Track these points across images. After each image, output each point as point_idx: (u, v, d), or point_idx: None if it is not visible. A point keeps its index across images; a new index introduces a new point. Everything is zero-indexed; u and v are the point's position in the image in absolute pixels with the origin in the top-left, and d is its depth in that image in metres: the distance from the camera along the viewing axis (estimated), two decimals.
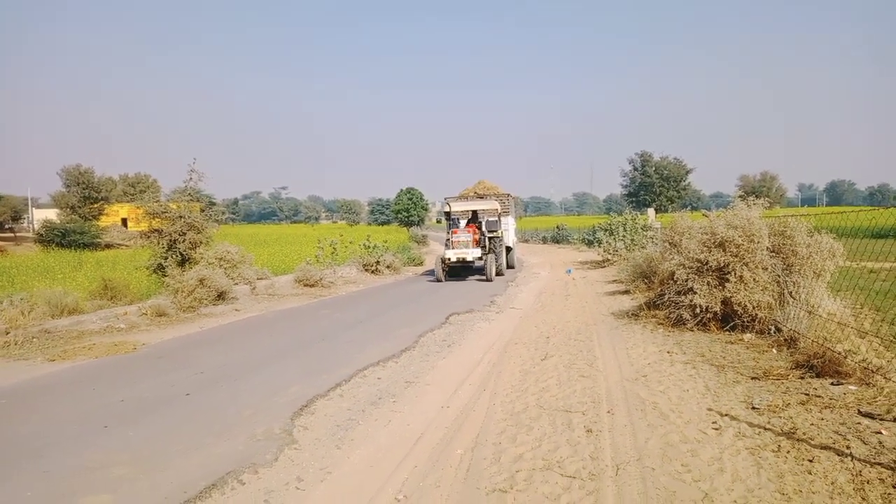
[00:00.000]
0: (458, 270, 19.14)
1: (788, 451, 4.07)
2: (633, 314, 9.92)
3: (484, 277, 17.66)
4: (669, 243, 10.28)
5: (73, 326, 9.90)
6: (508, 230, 21.89)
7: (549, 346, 8.09)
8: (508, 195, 24.15)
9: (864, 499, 3.35)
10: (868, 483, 3.51)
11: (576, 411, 5.23)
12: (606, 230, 22.97)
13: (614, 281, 15.65)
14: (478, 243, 18.40)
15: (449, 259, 17.71)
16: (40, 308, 10.36)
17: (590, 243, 30.51)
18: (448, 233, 19.25)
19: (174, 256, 14.64)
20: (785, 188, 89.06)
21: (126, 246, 48.44)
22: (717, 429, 4.60)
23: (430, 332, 9.41)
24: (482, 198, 23.18)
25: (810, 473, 3.72)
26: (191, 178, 15.51)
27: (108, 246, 46.83)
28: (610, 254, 20.95)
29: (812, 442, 4.17)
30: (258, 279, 15.91)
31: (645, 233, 20.43)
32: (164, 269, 14.48)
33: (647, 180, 73.87)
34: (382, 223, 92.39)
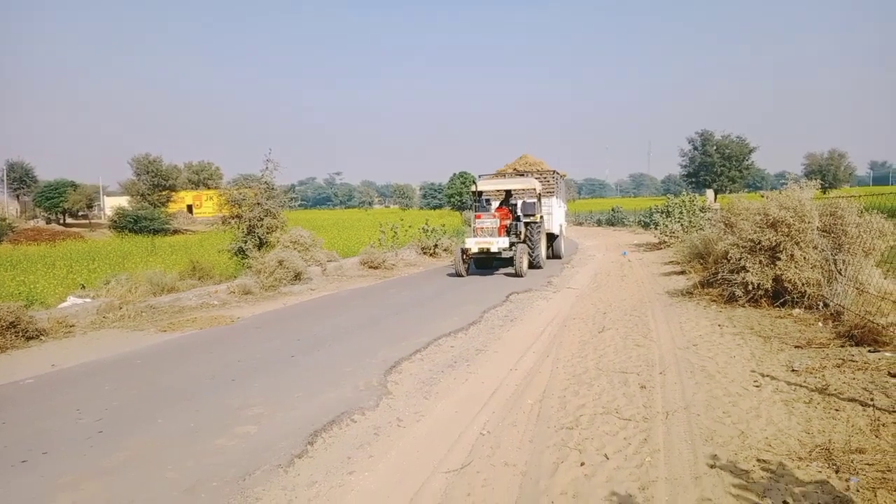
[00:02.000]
0: (488, 262, 16.18)
1: (818, 403, 4.69)
2: (687, 292, 10.43)
3: (513, 272, 14.89)
4: (725, 224, 10.70)
5: (174, 303, 11.16)
6: (553, 214, 18.88)
7: (605, 320, 8.75)
8: (554, 172, 20.64)
9: (877, 436, 3.97)
10: (884, 426, 4.12)
11: (631, 372, 5.94)
12: (663, 212, 23.13)
13: (670, 262, 16.04)
14: (507, 230, 15.70)
15: (469, 249, 14.93)
16: (143, 286, 11.69)
17: (646, 225, 30.59)
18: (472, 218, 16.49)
19: (253, 240, 15.90)
20: (854, 166, 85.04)
21: (192, 231, 51.12)
22: (757, 386, 5.24)
23: (493, 309, 10.20)
24: (522, 175, 19.99)
25: (834, 419, 4.35)
26: (266, 168, 16.70)
27: (176, 231, 49.51)
28: (666, 236, 21.16)
29: (841, 396, 4.78)
30: (328, 261, 17.05)
31: (703, 214, 20.58)
32: (244, 251, 15.77)
33: (707, 160, 71.99)
34: (434, 207, 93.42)
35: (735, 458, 3.84)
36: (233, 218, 16.41)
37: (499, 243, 14.64)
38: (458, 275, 14.93)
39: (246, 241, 15.85)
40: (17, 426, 4.89)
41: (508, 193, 17.60)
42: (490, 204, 17.52)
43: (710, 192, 29.89)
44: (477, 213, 15.84)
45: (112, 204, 59.97)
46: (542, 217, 17.06)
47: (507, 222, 15.90)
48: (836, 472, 3.58)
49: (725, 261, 9.35)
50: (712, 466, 3.75)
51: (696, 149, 74.34)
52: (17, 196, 68.80)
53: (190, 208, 65.98)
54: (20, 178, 70.92)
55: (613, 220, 40.55)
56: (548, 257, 18.57)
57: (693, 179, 71.95)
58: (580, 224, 45.98)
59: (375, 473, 4.01)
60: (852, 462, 3.67)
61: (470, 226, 16.45)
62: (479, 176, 19.44)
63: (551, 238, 18.96)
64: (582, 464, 3.94)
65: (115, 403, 5.42)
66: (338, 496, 3.70)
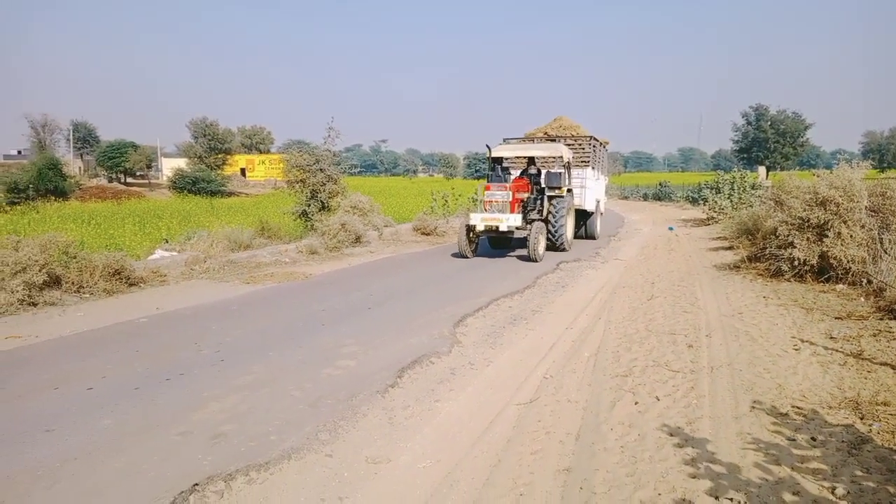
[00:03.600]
0: (504, 242, 14.33)
1: (852, 365, 5.22)
2: (734, 266, 10.83)
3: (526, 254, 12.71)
4: (775, 202, 11.00)
5: (250, 259, 12.12)
6: (587, 187, 16.08)
7: (654, 289, 9.28)
8: (591, 139, 17.10)
9: None
10: None
11: (679, 334, 6.53)
12: (713, 188, 23.12)
13: (718, 238, 16.29)
14: (523, 205, 13.25)
15: (475, 227, 12.60)
16: (222, 243, 12.68)
17: (694, 201, 30.46)
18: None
19: (316, 204, 16.80)
20: None
21: (246, 194, 52.81)
22: (796, 349, 5.78)
23: (545, 276, 10.81)
24: (553, 140, 16.79)
25: (865, 378, 4.88)
26: (329, 136, 17.49)
27: (231, 193, 51.25)
28: (715, 212, 21.23)
29: (874, 360, 5.29)
30: (385, 226, 17.87)
31: (753, 192, 20.58)
32: (307, 214, 16.70)
33: (760, 135, 70.10)
34: (479, 177, 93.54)
35: (772, 404, 4.44)
36: (297, 182, 17.31)
37: (509, 221, 12.23)
38: (463, 256, 12.81)
39: (309, 205, 16.75)
40: (148, 355, 5.80)
41: (531, 161, 15.06)
42: (510, 174, 15.46)
43: (762, 169, 29.45)
44: (486, 184, 13.32)
45: (169, 165, 62.06)
46: (569, 190, 14.80)
47: (525, 195, 13.48)
48: (861, 418, 4.14)
49: (773, 237, 9.73)
50: (752, 409, 4.36)
51: (749, 123, 72.38)
52: (81, 155, 71.92)
53: (243, 171, 67.84)
54: (83, 138, 74.01)
55: (660, 195, 40.25)
56: (579, 237, 16.78)
57: (745, 155, 70.28)
58: (626, 198, 45.77)
59: (457, 403, 4.75)
60: (877, 412, 4.22)
61: (477, 199, 13.91)
62: (505, 139, 16.52)
63: (584, 215, 16.66)
64: (636, 403, 4.60)
65: (226, 339, 6.31)
66: (428, 417, 4.45)
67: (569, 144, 16.47)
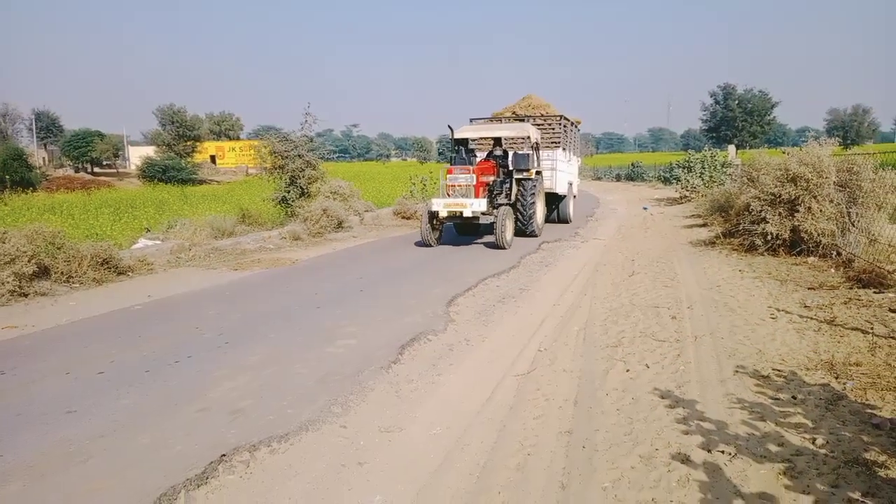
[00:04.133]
0: (471, 228, 13.61)
1: (826, 331, 5.57)
2: (709, 243, 11.23)
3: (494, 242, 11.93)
4: (748, 179, 11.38)
5: (235, 246, 12.15)
6: (558, 170, 15.50)
7: (634, 266, 9.60)
8: (562, 118, 16.41)
9: (873, 355, 4.85)
10: (879, 348, 5.00)
11: (662, 307, 6.83)
12: (684, 167, 23.63)
13: (692, 216, 16.76)
14: (489, 189, 12.50)
15: (437, 213, 11.88)
16: (205, 230, 12.69)
17: (666, 181, 31.05)
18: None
19: (295, 190, 16.80)
20: (878, 123, 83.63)
21: (217, 182, 52.12)
22: (773, 318, 6.12)
23: (528, 256, 11.08)
24: (522, 120, 16.11)
25: (838, 343, 5.23)
26: (306, 122, 17.45)
27: (202, 181, 50.53)
28: (687, 191, 21.74)
29: (846, 326, 5.65)
30: (365, 211, 17.97)
31: (724, 170, 21.12)
32: (287, 201, 16.71)
33: (728, 114, 71.35)
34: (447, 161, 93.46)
35: (754, 368, 4.75)
36: (276, 168, 17.26)
37: (474, 206, 11.54)
38: (426, 245, 12.02)
39: (289, 191, 16.75)
40: (151, 340, 5.91)
41: (497, 143, 14.11)
42: (475, 157, 14.22)
43: (731, 148, 30.14)
44: (449, 167, 12.61)
45: (137, 153, 60.86)
46: (539, 173, 14.16)
47: (490, 179, 12.66)
48: (836, 378, 4.47)
49: (747, 213, 10.11)
50: (735, 373, 4.66)
51: (717, 103, 73.57)
52: (45, 145, 70.01)
53: (213, 159, 66.83)
54: (46, 127, 72.05)
55: (633, 175, 40.90)
56: (552, 221, 16.37)
57: (714, 134, 71.49)
58: (599, 179, 46.44)
59: (458, 376, 4.97)
60: (850, 372, 4.55)
61: (440, 183, 12.91)
62: (471, 120, 16.54)
63: (555, 199, 16.20)
64: (627, 370, 4.87)
65: (226, 324, 6.43)
66: (432, 389, 4.67)
67: (538, 124, 15.88)
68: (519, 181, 13.42)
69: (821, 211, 8.85)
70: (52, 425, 3.92)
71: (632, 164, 43.36)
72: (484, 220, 12.11)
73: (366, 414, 4.20)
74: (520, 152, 13.91)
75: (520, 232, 13.11)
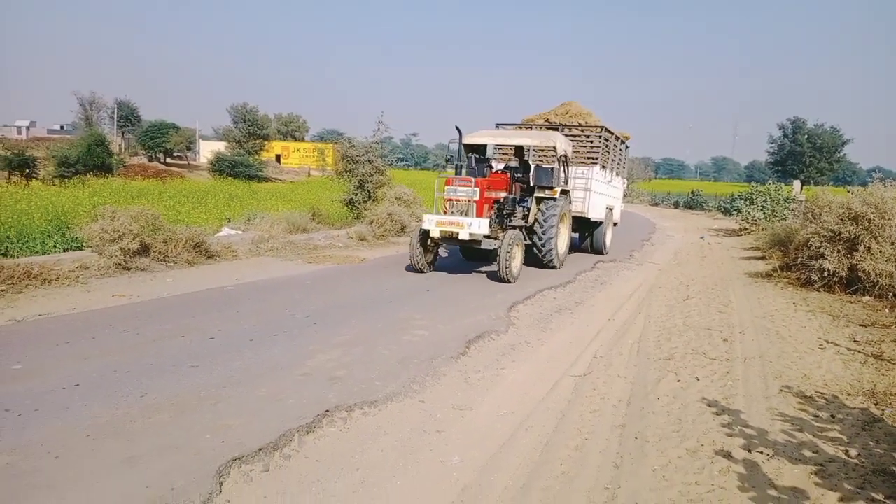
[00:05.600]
0: (480, 252, 10.71)
1: (871, 364, 5.86)
2: (766, 275, 11.40)
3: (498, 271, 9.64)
4: (809, 215, 11.51)
5: (307, 241, 12.99)
6: (593, 191, 12.97)
7: (689, 291, 9.91)
8: (604, 129, 13.57)
9: None
10: None
11: (714, 329, 7.19)
12: (746, 199, 23.47)
13: (750, 248, 16.78)
14: (497, 208, 10.42)
15: (429, 233, 9.75)
16: (282, 224, 13.59)
17: (726, 211, 30.73)
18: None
19: (363, 194, 17.66)
20: None
21: (281, 180, 54.04)
22: (822, 348, 6.42)
23: (583, 273, 11.49)
24: (556, 129, 13.56)
25: (883, 375, 5.52)
26: (378, 129, 18.34)
27: (266, 179, 52.50)
28: (748, 223, 21.62)
29: (892, 361, 5.92)
30: None
31: (787, 205, 20.93)
32: (353, 203, 17.58)
33: (796, 149, 69.67)
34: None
35: (798, 389, 5.11)
36: (345, 172, 18.19)
37: (472, 227, 9.29)
38: (417, 270, 10.09)
39: (356, 194, 17.63)
40: (249, 316, 6.66)
41: (518, 154, 11.87)
42: (491, 169, 11.63)
43: (796, 183, 29.58)
44: (448, 178, 10.27)
45: (207, 148, 63.62)
46: (564, 192, 11.68)
47: (501, 195, 10.55)
48: (876, 404, 4.80)
49: (805, 248, 10.29)
50: (780, 392, 5.04)
51: (785, 136, 71.97)
52: (123, 133, 73.97)
53: (278, 158, 69.24)
54: (126, 117, 76.09)
55: (692, 204, 40.47)
56: (583, 250, 14.35)
57: (780, 168, 69.90)
58: (656, 205, 46.05)
59: (520, 372, 5.50)
60: (890, 400, 4.87)
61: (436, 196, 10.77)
62: (497, 125, 14.20)
63: (589, 225, 13.89)
64: (678, 381, 5.31)
65: (311, 308, 7.15)
66: (497, 381, 5.21)
67: (573, 136, 13.56)
68: (539, 200, 11.16)
69: (880, 251, 8.99)
70: (181, 375, 4.66)
71: (692, 192, 42.90)
72: (486, 246, 9.72)
73: (440, 393, 4.78)
74: (543, 166, 11.70)
75: (535, 262, 11.18)
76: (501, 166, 11.92)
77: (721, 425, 4.29)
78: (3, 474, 3.11)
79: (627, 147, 17.01)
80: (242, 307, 7.04)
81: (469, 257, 11.95)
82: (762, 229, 19.01)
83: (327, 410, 4.13)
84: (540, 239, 10.94)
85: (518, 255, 9.87)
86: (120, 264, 8.79)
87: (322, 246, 12.82)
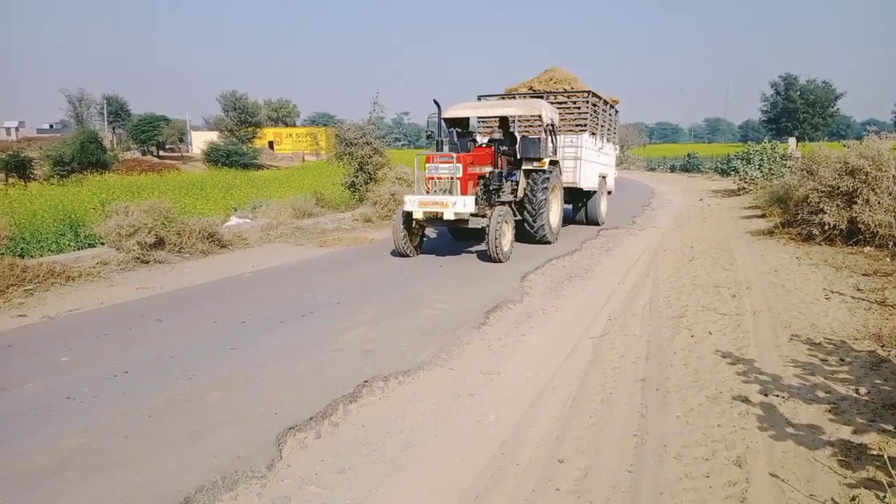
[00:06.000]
0: (470, 231, 10.18)
1: (876, 310, 6.11)
2: (767, 232, 11.63)
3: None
4: (807, 171, 11.71)
5: (315, 225, 13.19)
6: (584, 159, 12.56)
7: (693, 252, 10.13)
8: (591, 94, 12.98)
9: None
10: None
11: (722, 287, 7.44)
12: (743, 159, 23.60)
13: (750, 207, 16.98)
14: (483, 184, 9.94)
15: (411, 214, 9.26)
16: (288, 211, 13.78)
17: (724, 172, 30.85)
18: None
19: (363, 176, 17.80)
20: None
21: (276, 167, 54.00)
22: (827, 298, 6.67)
23: (588, 241, 11.71)
24: (541, 97, 12.71)
25: (887, 320, 5.77)
26: (374, 110, 18.44)
27: (261, 166, 52.47)
28: (746, 182, 21.78)
29: (895, 307, 6.17)
30: None
31: (784, 162, 21.09)
32: (355, 185, 17.73)
33: (790, 106, 69.50)
34: None
35: (807, 336, 5.36)
36: (345, 155, 18.30)
37: (457, 205, 8.83)
38: (402, 255, 9.55)
39: (357, 177, 17.77)
40: (274, 300, 6.90)
41: (502, 125, 11.44)
42: (475, 143, 10.96)
43: (792, 140, 29.68)
44: (428, 155, 9.72)
45: (199, 138, 63.40)
46: (554, 162, 11.29)
47: (486, 170, 10.08)
48: (882, 346, 5.05)
49: (805, 204, 10.50)
50: (790, 340, 5.29)
51: (778, 93, 71.80)
52: (114, 129, 73.60)
53: (271, 144, 69.02)
54: (115, 112, 75.60)
55: (688, 167, 40.57)
56: (578, 222, 13.94)
57: (774, 126, 69.85)
58: (653, 170, 46.15)
59: (539, 336, 5.75)
60: (895, 342, 5.13)
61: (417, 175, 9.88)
62: (479, 97, 13.49)
63: (582, 195, 13.47)
64: (692, 336, 5.56)
65: (331, 289, 7.38)
66: (519, 346, 5.46)
67: (559, 103, 13.10)
68: (528, 173, 10.72)
69: (879, 203, 9.21)
70: (222, 357, 4.91)
71: (687, 155, 42.97)
72: (474, 224, 9.25)
73: (467, 360, 5.03)
74: (529, 137, 11.04)
75: (528, 238, 10.76)
76: (486, 140, 11.34)
77: (737, 374, 4.54)
78: (80, 453, 3.35)
79: (617, 112, 16.37)
80: (264, 292, 7.27)
81: (458, 237, 11.63)
82: (760, 188, 19.17)
83: (366, 381, 4.37)
84: (531, 214, 10.54)
85: (508, 233, 9.40)
86: (138, 258, 8.99)
87: (330, 229, 13.01)
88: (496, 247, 8.96)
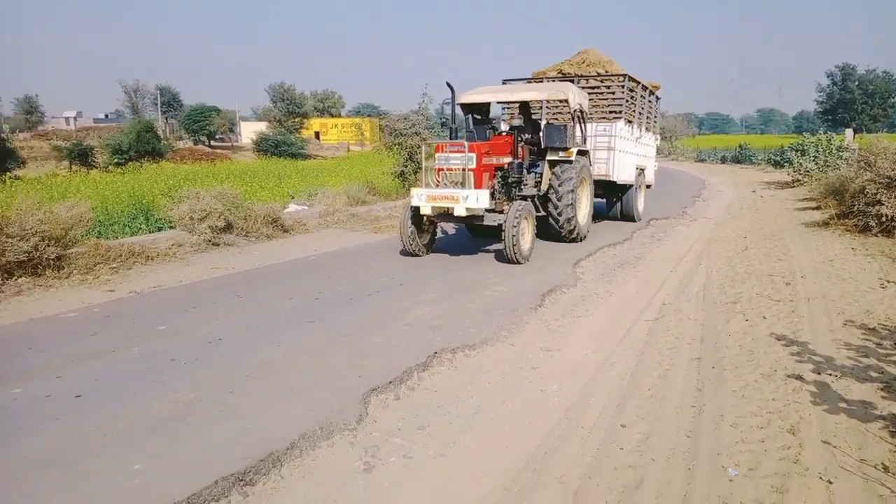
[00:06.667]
0: (486, 227, 8.80)
1: None
2: (822, 223, 11.52)
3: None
4: (864, 163, 11.54)
5: (368, 213, 13.64)
6: (618, 149, 11.58)
7: (746, 242, 10.15)
8: (626, 77, 11.90)
9: None
10: None
11: (776, 275, 7.52)
12: (798, 150, 23.09)
13: (804, 199, 16.70)
14: (502, 176, 8.97)
15: (420, 210, 8.37)
16: (342, 198, 14.27)
17: (777, 164, 30.14)
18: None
19: (412, 165, 18.20)
20: None
21: (322, 157, 55.04)
22: (883, 287, 6.72)
23: (638, 231, 11.81)
24: (572, 80, 11.73)
25: None
26: (423, 101, 18.80)
27: (308, 156, 53.57)
28: (800, 174, 21.34)
29: None
30: None
31: (840, 154, 20.58)
32: (404, 174, 18.15)
33: (847, 96, 66.94)
34: None
35: (861, 322, 5.48)
36: (395, 145, 18.74)
37: (469, 200, 7.93)
38: (410, 254, 8.78)
39: (406, 166, 18.18)
40: (340, 280, 7.35)
41: (524, 111, 10.53)
42: (495, 132, 9.99)
43: (848, 132, 28.83)
44: (438, 144, 8.81)
45: (250, 129, 65.00)
46: (583, 152, 10.29)
47: (504, 160, 9.11)
48: None
49: (861, 195, 10.39)
50: (844, 325, 5.42)
51: (834, 84, 69.20)
52: (166, 119, 76.08)
53: (317, 135, 70.29)
54: (168, 102, 78.08)
55: (740, 158, 39.65)
56: (612, 217, 13.00)
57: (829, 117, 67.44)
58: (702, 161, 45.32)
59: (595, 319, 5.99)
60: None
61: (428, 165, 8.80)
62: (504, 81, 12.25)
63: (617, 189, 12.51)
64: (746, 320, 5.72)
65: (392, 271, 7.79)
66: (575, 327, 5.72)
67: (591, 87, 12.04)
68: (553, 164, 9.77)
69: None
70: (303, 329, 5.36)
71: (739, 146, 41.99)
72: (489, 221, 8.36)
73: (527, 338, 5.33)
74: (553, 123, 10.05)
75: (560, 234, 9.82)
76: (508, 128, 10.27)
77: (790, 354, 4.72)
78: (194, 405, 3.80)
79: (658, 98, 15.01)
80: (330, 273, 7.71)
81: (477, 234, 10.57)
82: (815, 180, 18.78)
83: (436, 352, 4.73)
84: (556, 208, 9.55)
85: (528, 231, 8.52)
86: (209, 241, 9.56)
87: (382, 217, 13.43)
88: (514, 246, 8.04)
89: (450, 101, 8.97)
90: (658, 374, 4.48)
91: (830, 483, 2.94)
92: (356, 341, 5.01)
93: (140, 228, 12.01)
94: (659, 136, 16.22)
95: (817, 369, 4.37)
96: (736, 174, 30.73)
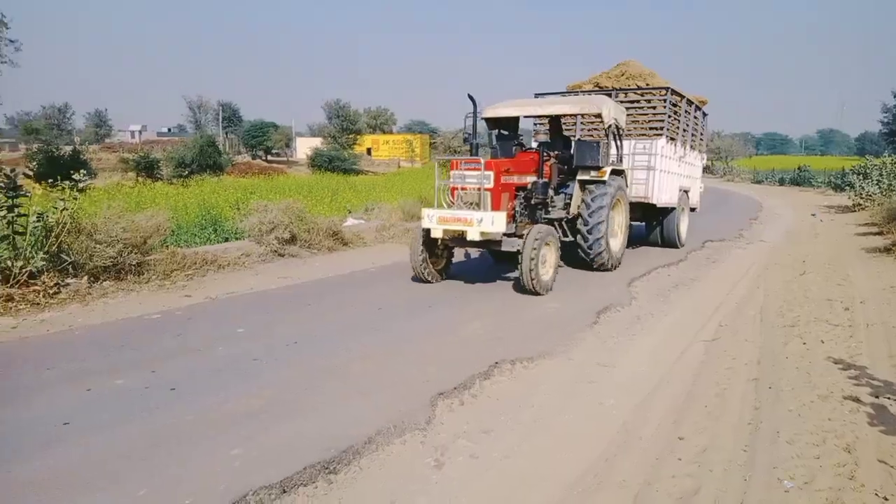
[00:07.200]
0: (507, 255, 8.54)
1: None
2: (884, 249, 11.24)
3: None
4: None
5: None
6: (659, 170, 10.79)
7: (804, 267, 10.03)
8: (669, 91, 11.01)
9: None
10: None
11: (835, 300, 7.46)
12: (860, 173, 22.46)
13: (866, 224, 16.26)
14: (524, 197, 8.35)
15: (431, 233, 7.71)
16: (398, 213, 14.69)
17: (838, 187, 29.27)
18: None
19: None
20: None
21: (374, 172, 56.15)
22: None
23: (693, 252, 11.78)
24: (610, 94, 10.95)
25: None
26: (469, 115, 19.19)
27: (360, 172, 54.73)
28: (862, 198, 20.75)
29: None
30: None
31: None
32: None
33: None
34: None
35: None
36: (447, 162, 19.17)
37: (484, 223, 7.14)
38: (422, 280, 8.13)
39: None
40: (399, 292, 7.72)
41: (554, 126, 10.09)
42: (523, 149, 9.31)
43: None
44: (452, 160, 8.22)
45: (305, 144, 66.92)
46: (618, 172, 9.54)
47: (526, 180, 8.43)
48: None
49: None
50: None
51: None
52: (226, 134, 79.07)
53: (369, 151, 71.78)
54: (228, 118, 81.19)
55: (799, 180, 38.60)
56: (652, 243, 12.23)
57: (894, 139, 64.69)
58: (759, 182, 44.33)
59: (650, 338, 6.12)
60: None
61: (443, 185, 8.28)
62: (536, 95, 11.41)
63: (657, 212, 11.67)
64: (804, 343, 5.75)
65: (448, 285, 8.08)
66: (630, 345, 5.86)
67: (630, 101, 11.28)
68: (584, 185, 9.04)
69: None
70: (369, 334, 5.73)
71: (798, 168, 40.89)
72: (508, 247, 7.63)
73: (584, 353, 5.51)
74: (584, 140, 9.49)
75: (593, 262, 9.04)
76: (535, 146, 9.66)
77: (848, 378, 4.76)
78: (275, 401, 4.17)
79: (705, 115, 13.90)
80: (391, 284, 8.07)
81: (501, 258, 9.77)
82: (878, 204, 18.24)
83: (497, 363, 4.97)
84: (585, 233, 8.77)
85: (550, 258, 7.75)
86: (275, 251, 10.07)
87: None
88: (531, 274, 7.27)
89: (472, 114, 8.32)
90: (715, 393, 4.60)
91: (886, 500, 3.04)
92: (419, 348, 5.31)
93: (209, 238, 12.66)
94: (706, 156, 15.24)
95: (875, 393, 4.41)
96: (794, 196, 29.99)
